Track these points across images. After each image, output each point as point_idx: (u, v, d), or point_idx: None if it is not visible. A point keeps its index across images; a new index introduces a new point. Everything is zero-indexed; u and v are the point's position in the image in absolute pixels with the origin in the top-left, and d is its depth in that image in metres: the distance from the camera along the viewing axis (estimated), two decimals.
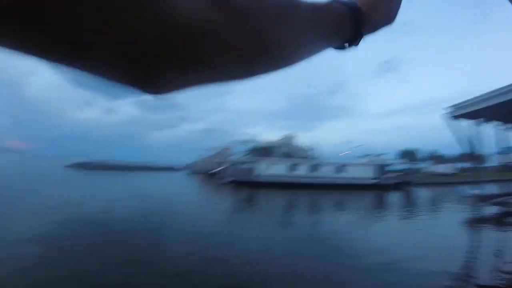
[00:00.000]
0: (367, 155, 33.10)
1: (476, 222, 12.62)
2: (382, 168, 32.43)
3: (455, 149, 45.05)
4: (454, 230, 12.16)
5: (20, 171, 33.10)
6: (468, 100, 13.24)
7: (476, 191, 13.62)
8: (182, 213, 14.23)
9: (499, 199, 13.51)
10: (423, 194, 28.55)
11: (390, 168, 36.58)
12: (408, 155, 44.00)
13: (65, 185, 19.57)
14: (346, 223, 13.85)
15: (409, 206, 20.62)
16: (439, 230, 12.69)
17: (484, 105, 12.22)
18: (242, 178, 29.88)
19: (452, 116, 13.97)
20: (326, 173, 30.40)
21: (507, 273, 6.27)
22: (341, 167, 31.17)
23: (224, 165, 32.83)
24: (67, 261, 6.07)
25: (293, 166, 30.82)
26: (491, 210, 13.66)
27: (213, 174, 33.91)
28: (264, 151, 34.80)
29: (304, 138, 67.22)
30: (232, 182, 29.14)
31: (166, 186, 25.43)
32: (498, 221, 12.65)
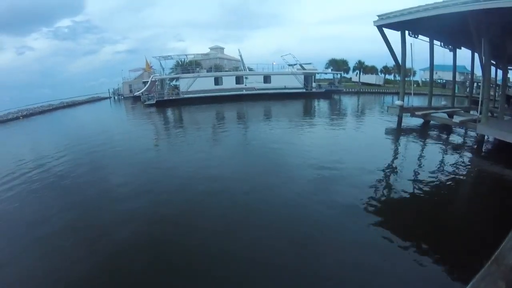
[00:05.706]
0: (295, 64, 33.03)
1: (399, 131, 13.38)
2: (310, 77, 33.17)
3: (384, 61, 47.95)
4: (379, 136, 12.83)
5: None
6: (397, 11, 12.06)
7: (400, 102, 14.02)
8: (113, 141, 12.82)
9: (421, 112, 14.11)
10: (350, 102, 30.59)
11: (318, 77, 37.83)
12: (336, 64, 45.50)
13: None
14: (276, 131, 13.96)
15: (337, 113, 21.79)
16: (364, 135, 13.32)
17: (410, 17, 11.27)
18: (167, 97, 28.05)
19: (380, 26, 13.10)
20: (254, 84, 30.10)
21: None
22: (269, 77, 30.95)
23: (148, 85, 29.95)
24: None
25: (220, 79, 29.57)
26: (414, 121, 14.42)
27: (139, 97, 30.94)
28: (190, 65, 32.17)
29: (233, 49, 64.26)
30: (158, 102, 27.19)
31: (94, 119, 22.54)
32: (419, 132, 13.43)
